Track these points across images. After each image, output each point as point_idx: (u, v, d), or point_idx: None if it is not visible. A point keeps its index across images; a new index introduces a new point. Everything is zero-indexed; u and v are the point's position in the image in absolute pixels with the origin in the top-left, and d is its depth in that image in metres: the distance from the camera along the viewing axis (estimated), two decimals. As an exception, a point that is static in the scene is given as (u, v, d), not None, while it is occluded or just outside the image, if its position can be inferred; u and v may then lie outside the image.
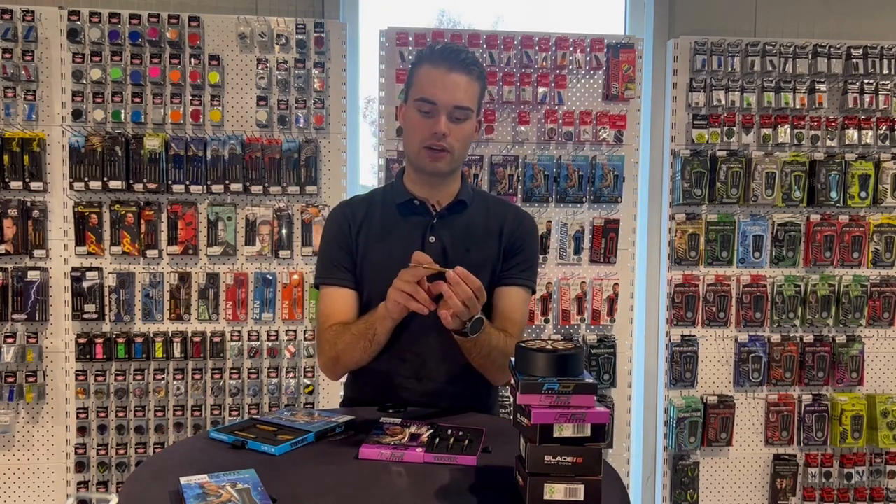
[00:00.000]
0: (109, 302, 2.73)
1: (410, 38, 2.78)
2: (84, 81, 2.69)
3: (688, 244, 2.92)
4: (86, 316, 2.71)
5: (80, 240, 2.71)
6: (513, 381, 1.12)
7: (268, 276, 2.78)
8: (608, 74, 2.86)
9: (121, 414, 2.75)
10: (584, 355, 2.47)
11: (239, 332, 2.78)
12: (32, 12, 2.66)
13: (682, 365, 2.94)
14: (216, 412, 2.78)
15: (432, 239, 1.64)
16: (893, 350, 3.03)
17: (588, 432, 1.05)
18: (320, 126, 2.77)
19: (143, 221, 2.72)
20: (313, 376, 2.80)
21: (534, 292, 1.74)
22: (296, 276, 2.77)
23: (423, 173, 1.65)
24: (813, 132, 2.94)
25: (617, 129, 2.87)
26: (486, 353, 1.55)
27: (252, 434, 1.35)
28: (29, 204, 2.70)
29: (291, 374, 2.78)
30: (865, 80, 2.92)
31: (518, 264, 1.68)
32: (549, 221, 2.86)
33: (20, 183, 2.66)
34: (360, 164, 3.05)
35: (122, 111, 2.69)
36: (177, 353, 2.73)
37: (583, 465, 1.04)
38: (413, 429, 1.39)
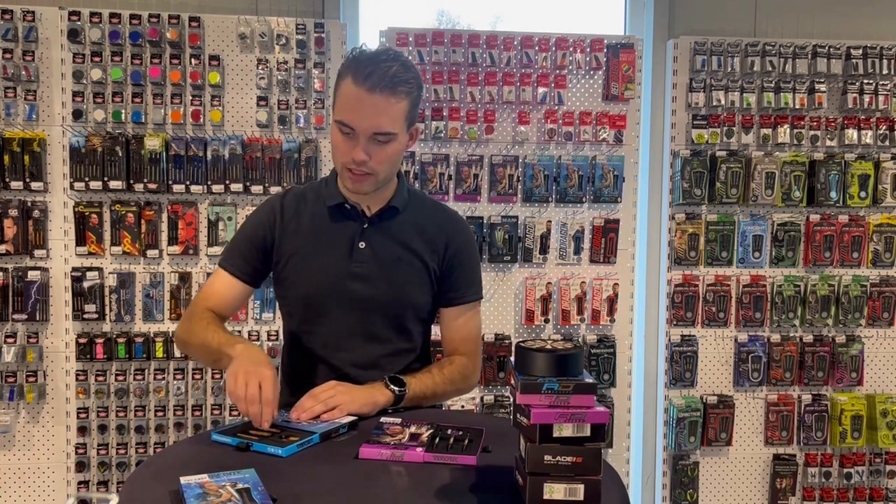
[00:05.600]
0: (110, 302, 2.74)
1: (410, 39, 2.79)
2: (84, 81, 2.69)
3: (687, 244, 2.93)
4: (86, 316, 2.71)
5: (80, 240, 2.71)
6: (513, 381, 1.12)
7: (268, 276, 2.78)
8: (608, 74, 2.86)
9: (121, 414, 2.75)
10: (583, 355, 2.47)
11: (239, 331, 2.78)
12: (33, 12, 2.66)
13: (682, 365, 2.94)
14: (216, 412, 2.79)
15: (362, 245, 1.61)
16: (893, 350, 3.04)
17: (588, 432, 1.05)
18: (320, 126, 2.77)
19: (143, 221, 2.73)
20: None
21: (482, 296, 1.72)
22: (296, 276, 2.77)
23: None
24: (812, 132, 2.94)
25: (617, 130, 2.87)
26: (433, 396, 1.60)
27: (255, 436, 1.34)
28: (29, 204, 2.70)
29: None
30: (865, 80, 2.92)
31: (464, 281, 1.66)
32: (549, 221, 2.87)
33: (20, 183, 2.67)
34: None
35: (123, 111, 2.69)
36: (177, 353, 2.73)
37: (582, 465, 1.05)
38: (413, 428, 1.39)
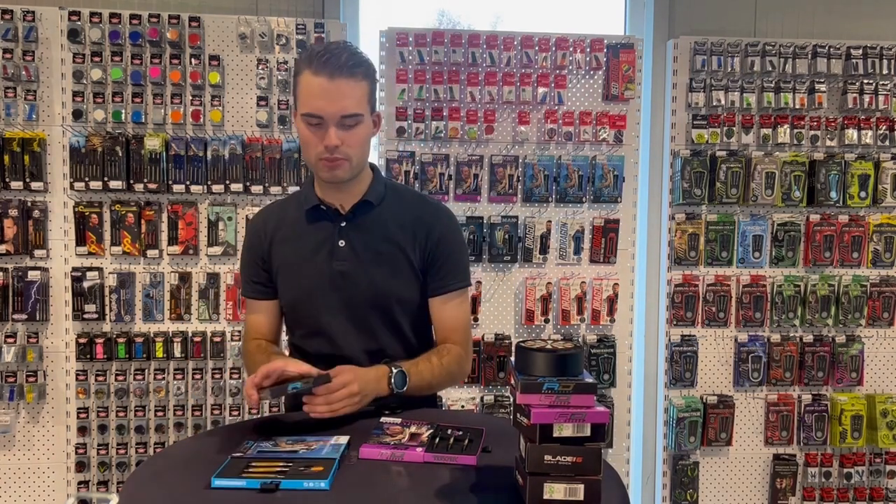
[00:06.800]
0: (110, 302, 2.74)
1: (410, 39, 2.79)
2: (84, 81, 2.69)
3: (687, 244, 2.93)
4: (86, 316, 2.71)
5: (80, 240, 2.71)
6: (513, 381, 1.12)
7: (268, 276, 2.78)
8: (608, 74, 2.86)
9: (121, 414, 2.75)
10: (583, 355, 2.47)
11: (239, 331, 2.77)
12: (33, 12, 2.66)
13: (682, 365, 2.94)
14: (216, 412, 2.79)
15: (342, 243, 1.62)
16: (893, 350, 3.04)
17: (588, 432, 1.05)
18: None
19: (143, 221, 2.73)
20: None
21: (470, 284, 1.72)
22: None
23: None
24: (813, 132, 2.94)
25: (617, 129, 2.87)
26: (428, 387, 1.61)
27: (270, 472, 1.19)
28: (29, 204, 2.70)
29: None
30: (865, 80, 2.92)
31: (449, 270, 1.66)
32: (549, 221, 2.87)
33: (21, 183, 2.67)
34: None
35: (123, 111, 2.69)
36: (177, 353, 2.73)
37: (582, 465, 1.05)
38: (413, 428, 1.39)
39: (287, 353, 1.76)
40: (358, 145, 1.56)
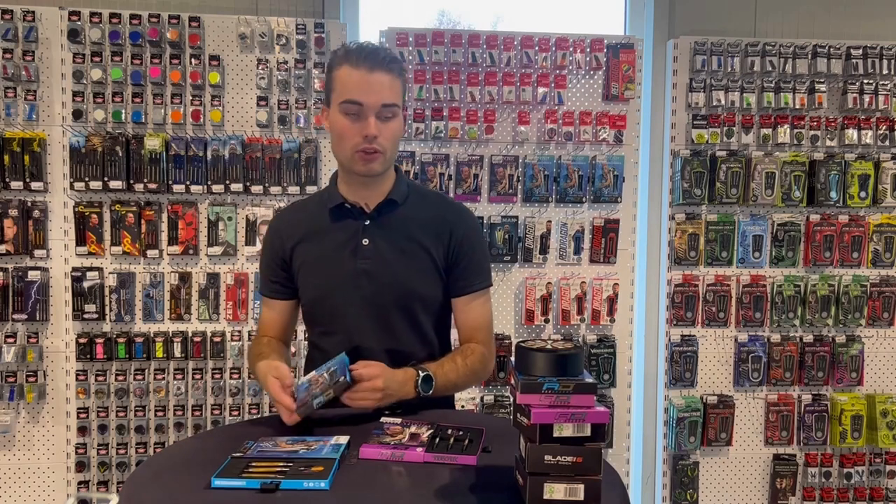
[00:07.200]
0: (110, 302, 2.74)
1: (410, 39, 2.79)
2: (84, 81, 2.69)
3: (687, 244, 2.93)
4: (86, 316, 2.71)
5: (80, 240, 2.71)
6: (513, 381, 1.12)
7: (268, 276, 2.77)
8: (608, 74, 2.86)
9: (121, 414, 2.75)
10: (583, 355, 2.47)
11: (239, 331, 2.78)
12: (33, 12, 2.66)
13: (682, 365, 2.94)
14: (216, 412, 2.79)
15: (366, 241, 1.62)
16: (893, 350, 3.04)
17: (588, 432, 1.05)
18: (320, 126, 2.77)
19: (143, 221, 2.73)
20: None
21: (491, 284, 1.74)
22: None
23: (355, 175, 1.62)
24: (813, 132, 2.94)
25: (617, 130, 2.87)
26: (453, 388, 1.64)
27: (270, 472, 1.19)
28: (29, 204, 2.70)
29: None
30: (865, 81, 2.92)
31: (473, 270, 1.67)
32: (549, 221, 2.87)
33: (21, 183, 2.67)
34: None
35: (123, 111, 2.69)
36: (177, 353, 2.73)
37: (582, 465, 1.05)
38: (413, 428, 1.39)
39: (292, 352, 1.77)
40: (392, 139, 1.58)
